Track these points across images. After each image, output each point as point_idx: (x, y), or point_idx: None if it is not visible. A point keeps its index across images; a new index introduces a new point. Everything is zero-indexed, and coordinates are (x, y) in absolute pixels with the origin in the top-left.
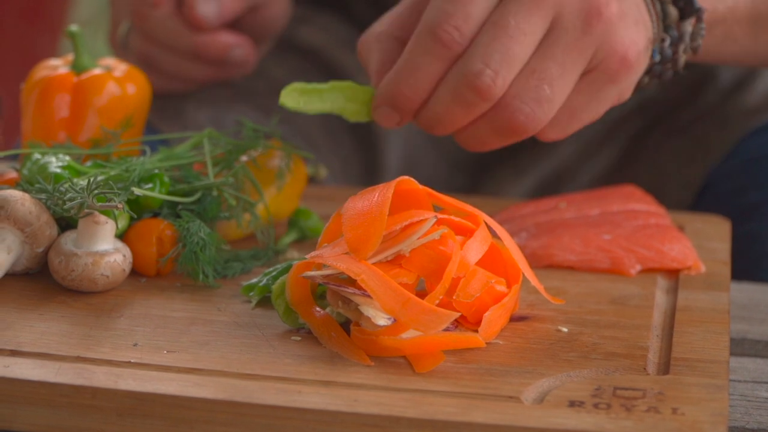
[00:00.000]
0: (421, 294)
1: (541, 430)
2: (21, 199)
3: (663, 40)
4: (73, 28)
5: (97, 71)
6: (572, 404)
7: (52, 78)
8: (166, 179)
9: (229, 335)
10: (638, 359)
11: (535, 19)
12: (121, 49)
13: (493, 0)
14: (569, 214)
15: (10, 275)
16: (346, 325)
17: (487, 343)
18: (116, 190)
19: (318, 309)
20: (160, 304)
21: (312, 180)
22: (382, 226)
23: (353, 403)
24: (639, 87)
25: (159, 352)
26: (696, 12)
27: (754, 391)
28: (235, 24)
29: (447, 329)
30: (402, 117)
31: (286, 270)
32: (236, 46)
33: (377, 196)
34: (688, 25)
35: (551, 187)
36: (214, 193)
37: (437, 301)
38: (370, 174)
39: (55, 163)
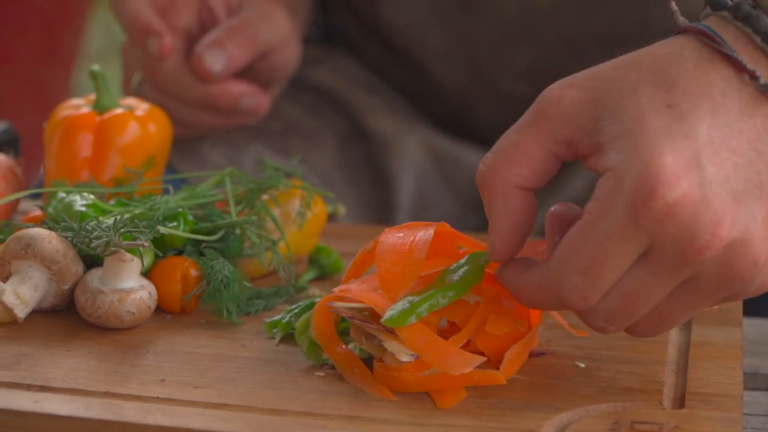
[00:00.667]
0: (442, 332)
1: None
2: (48, 237)
3: None
4: (95, 68)
5: (119, 111)
6: None
7: (74, 117)
8: (190, 218)
9: (254, 371)
10: (654, 394)
11: (630, 241)
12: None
13: (624, 267)
14: None
15: (37, 312)
16: (368, 362)
17: (506, 379)
18: (142, 229)
19: (341, 345)
20: (185, 341)
21: (331, 218)
22: (419, 270)
23: None
24: None
25: (186, 388)
26: None
27: (766, 425)
28: (245, 71)
29: None
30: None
31: (309, 307)
32: (246, 95)
33: (417, 238)
34: None
35: None
36: (237, 231)
37: (462, 343)
38: (383, 212)
39: (80, 201)
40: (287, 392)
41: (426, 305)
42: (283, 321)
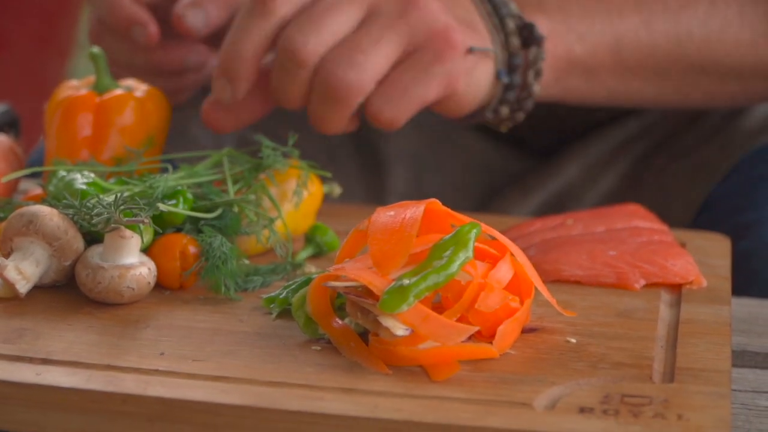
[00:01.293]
0: (437, 307)
1: None
2: (49, 214)
3: (511, 65)
4: (95, 50)
5: (118, 92)
6: (582, 411)
7: (75, 98)
8: (189, 196)
9: (252, 345)
10: (644, 368)
11: (350, 1)
12: None
13: (348, 24)
14: (576, 231)
15: (38, 287)
16: (363, 336)
17: (499, 353)
18: (142, 206)
19: (337, 320)
20: (184, 316)
21: (327, 197)
22: (410, 247)
23: (374, 409)
24: (500, 119)
25: (185, 361)
26: (538, 40)
27: (755, 400)
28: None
29: (463, 341)
30: (234, 88)
31: (306, 283)
32: (188, 53)
33: (407, 216)
34: (532, 52)
35: (556, 209)
36: (235, 209)
37: (455, 318)
38: (374, 196)
39: (81, 180)
40: (285, 365)
41: (420, 288)
42: (280, 297)
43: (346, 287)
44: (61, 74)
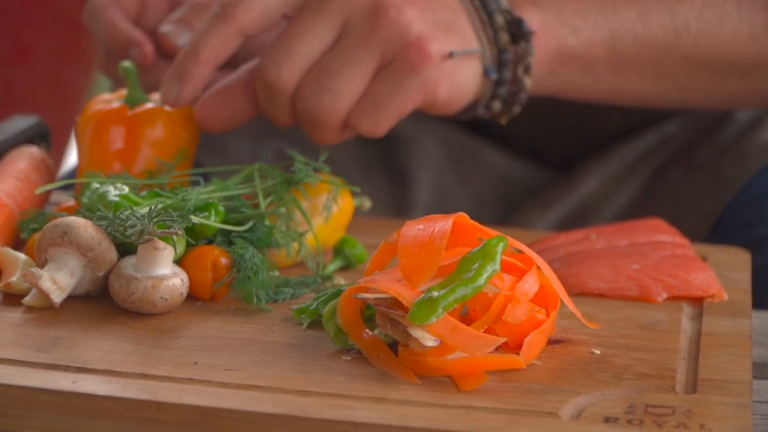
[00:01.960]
0: (464, 319)
1: None
2: (84, 226)
3: (500, 61)
4: (126, 63)
5: (149, 105)
6: (607, 420)
7: (107, 111)
8: (220, 208)
9: (283, 355)
10: (667, 379)
11: (321, 21)
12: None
13: (320, 44)
14: (599, 245)
15: (72, 297)
16: (393, 347)
17: (526, 364)
18: (175, 218)
19: (367, 331)
20: (216, 326)
21: (357, 211)
22: (439, 260)
23: (403, 418)
24: (493, 113)
25: (218, 370)
26: (526, 35)
27: None
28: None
29: (490, 352)
30: (182, 89)
31: (336, 295)
32: (135, 45)
33: (436, 229)
34: (521, 47)
35: (576, 222)
36: (266, 222)
37: (483, 329)
38: (399, 209)
39: (113, 192)
40: (316, 375)
41: (449, 300)
42: (311, 308)
43: (376, 299)
44: (85, 86)
